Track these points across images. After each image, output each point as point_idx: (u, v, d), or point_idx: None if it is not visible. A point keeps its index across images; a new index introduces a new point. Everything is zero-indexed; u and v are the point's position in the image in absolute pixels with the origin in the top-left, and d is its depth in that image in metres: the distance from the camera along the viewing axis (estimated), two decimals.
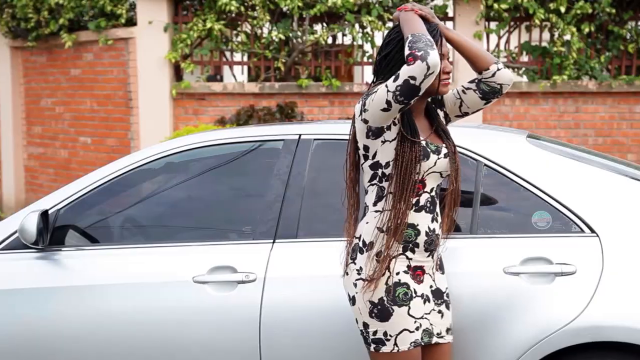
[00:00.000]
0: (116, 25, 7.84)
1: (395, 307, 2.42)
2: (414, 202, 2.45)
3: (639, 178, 2.98)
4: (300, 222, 2.93)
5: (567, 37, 7.35)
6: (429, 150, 2.47)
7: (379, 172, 2.47)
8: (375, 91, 2.39)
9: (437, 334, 2.51)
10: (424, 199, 2.48)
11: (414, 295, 2.46)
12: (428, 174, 2.47)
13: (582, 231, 2.75)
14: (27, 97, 9.19)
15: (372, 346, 2.46)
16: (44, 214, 2.97)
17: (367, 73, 8.53)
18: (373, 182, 2.49)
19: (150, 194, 3.30)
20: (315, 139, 3.06)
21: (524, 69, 7.52)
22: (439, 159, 2.48)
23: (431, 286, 2.52)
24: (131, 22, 7.86)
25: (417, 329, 2.45)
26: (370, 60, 7.74)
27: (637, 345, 2.61)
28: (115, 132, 8.02)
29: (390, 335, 2.42)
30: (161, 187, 3.31)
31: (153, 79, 7.57)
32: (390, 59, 2.48)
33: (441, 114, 2.63)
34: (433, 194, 2.50)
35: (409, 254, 2.47)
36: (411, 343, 2.44)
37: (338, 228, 3.00)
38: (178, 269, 2.93)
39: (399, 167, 2.41)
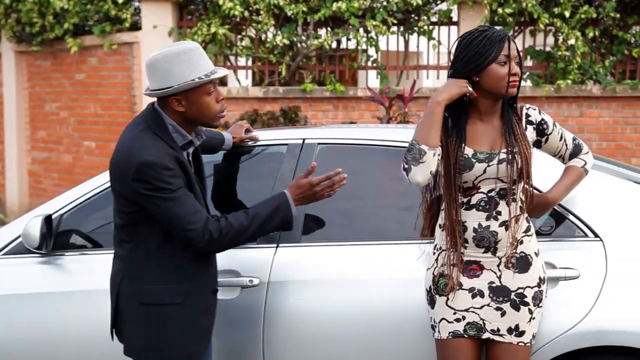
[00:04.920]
0: (121, 30, 7.87)
1: (437, 296, 2.56)
2: (465, 200, 2.52)
3: None
4: (303, 226, 2.92)
5: (572, 41, 7.34)
6: (474, 161, 2.49)
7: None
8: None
9: (492, 330, 2.51)
10: (476, 198, 2.52)
11: (456, 287, 2.52)
12: (480, 181, 2.50)
13: (586, 236, 2.74)
14: (31, 101, 9.22)
15: (432, 331, 2.62)
16: (48, 219, 2.97)
17: (371, 77, 8.53)
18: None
19: None
20: (319, 143, 3.06)
21: (528, 73, 7.52)
22: (489, 166, 2.49)
23: (492, 282, 2.52)
24: (136, 26, 7.88)
25: (457, 320, 2.53)
26: (374, 64, 7.75)
27: None
28: None
29: (435, 322, 2.58)
30: None
31: None
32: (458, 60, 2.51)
33: (533, 134, 2.61)
34: (492, 194, 2.51)
35: (461, 248, 2.53)
36: (449, 333, 2.53)
37: (342, 232, 3.01)
38: None
39: (444, 174, 2.54)
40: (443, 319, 2.55)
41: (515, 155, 2.48)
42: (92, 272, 3.04)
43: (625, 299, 2.63)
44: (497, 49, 2.45)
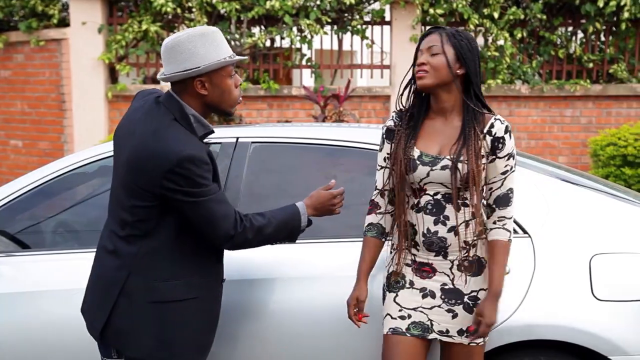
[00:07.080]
0: (48, 26, 7.66)
1: (387, 292, 2.59)
2: (415, 202, 2.50)
3: (570, 180, 3.07)
4: None
5: (501, 42, 7.52)
6: (418, 163, 2.46)
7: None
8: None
9: (440, 331, 2.52)
10: (424, 200, 2.49)
11: (406, 285, 2.54)
12: (426, 184, 2.48)
13: (515, 232, 2.81)
14: None
15: None
16: None
17: (305, 76, 8.54)
18: None
19: (83, 198, 3.23)
20: (252, 142, 3.05)
21: None
22: (432, 170, 2.45)
23: (444, 284, 2.52)
24: (64, 22, 7.69)
25: (402, 317, 2.52)
26: (308, 63, 7.76)
27: (567, 343, 2.68)
28: (48, 135, 7.83)
29: (383, 318, 2.58)
30: (95, 191, 3.25)
31: (87, 80, 7.41)
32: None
33: (488, 145, 2.46)
34: (438, 197, 2.47)
35: (413, 250, 2.54)
36: (390, 329, 2.52)
37: None
38: None
39: (394, 174, 2.52)
40: (388, 314, 2.54)
41: (458, 164, 2.41)
42: (19, 274, 2.95)
43: (552, 293, 2.70)
44: (421, 42, 2.51)
